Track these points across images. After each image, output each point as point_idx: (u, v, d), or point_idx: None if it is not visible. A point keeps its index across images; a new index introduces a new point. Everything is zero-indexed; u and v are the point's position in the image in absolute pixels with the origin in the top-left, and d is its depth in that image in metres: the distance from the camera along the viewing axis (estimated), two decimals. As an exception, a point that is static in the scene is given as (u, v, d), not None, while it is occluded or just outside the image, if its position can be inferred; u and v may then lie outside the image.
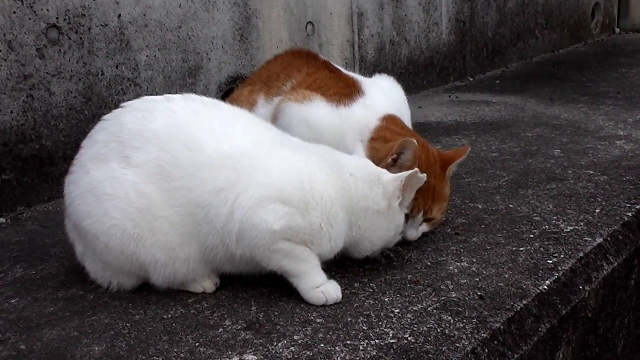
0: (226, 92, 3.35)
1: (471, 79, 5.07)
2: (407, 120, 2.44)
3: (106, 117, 1.92)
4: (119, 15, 2.88)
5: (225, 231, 1.77)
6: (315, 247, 1.81)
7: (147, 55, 3.01)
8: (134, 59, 2.96)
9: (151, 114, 1.85)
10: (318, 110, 2.27)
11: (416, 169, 1.91)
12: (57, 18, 2.68)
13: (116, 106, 2.83)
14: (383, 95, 2.40)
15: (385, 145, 2.18)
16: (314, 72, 2.44)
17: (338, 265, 2.01)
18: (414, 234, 2.14)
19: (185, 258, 1.83)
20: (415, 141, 2.06)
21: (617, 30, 7.12)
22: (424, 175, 1.91)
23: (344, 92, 2.32)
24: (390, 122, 2.27)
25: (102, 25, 2.83)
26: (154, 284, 1.88)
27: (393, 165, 2.09)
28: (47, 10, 2.65)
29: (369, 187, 1.89)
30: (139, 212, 1.78)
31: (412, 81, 4.55)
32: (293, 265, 1.80)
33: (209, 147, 1.79)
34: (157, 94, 3.01)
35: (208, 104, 1.91)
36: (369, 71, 4.14)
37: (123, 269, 1.86)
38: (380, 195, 1.89)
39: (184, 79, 3.17)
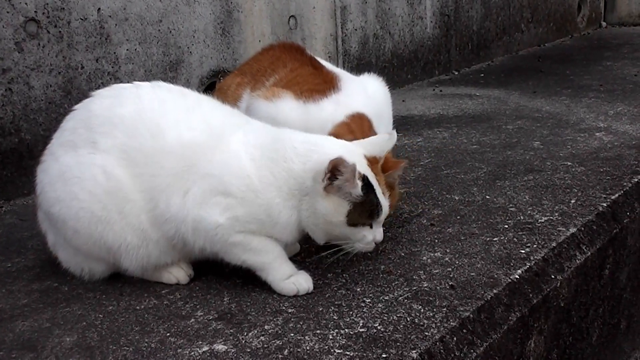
0: (208, 86, 3.36)
1: (456, 73, 5.09)
2: (387, 123, 2.39)
3: (76, 106, 1.94)
4: (99, 9, 2.88)
5: (180, 220, 1.79)
6: (274, 234, 1.80)
7: (127, 49, 3.01)
8: (114, 53, 2.96)
9: (119, 100, 1.87)
10: (286, 107, 2.24)
11: (342, 156, 1.73)
12: (35, 12, 2.68)
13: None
14: (361, 93, 2.36)
15: None
16: (298, 67, 2.43)
17: (312, 256, 2.02)
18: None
19: (157, 239, 1.84)
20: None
21: (604, 24, 7.14)
22: (353, 163, 1.71)
23: (318, 88, 2.31)
24: (354, 122, 2.23)
25: (81, 19, 2.83)
26: (126, 269, 1.89)
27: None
28: (26, 3, 2.65)
29: (303, 164, 1.78)
30: (107, 194, 1.80)
31: (397, 75, 4.57)
32: (255, 258, 1.81)
33: (170, 135, 1.81)
34: (137, 87, 3.02)
35: (174, 92, 1.93)
36: (353, 65, 4.16)
37: (92, 254, 1.87)
38: (312, 174, 1.77)
39: (165, 73, 3.18)
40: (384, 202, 1.82)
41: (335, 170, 1.73)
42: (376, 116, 2.30)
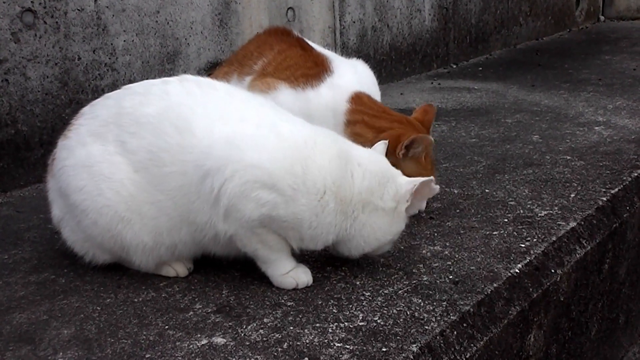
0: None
1: (454, 66, 5.07)
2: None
3: (110, 95, 1.94)
4: (96, -1, 2.87)
5: (213, 209, 1.75)
6: (295, 233, 1.77)
7: (124, 40, 2.99)
8: (112, 44, 2.94)
9: (147, 98, 1.85)
10: (284, 98, 2.23)
11: (432, 177, 1.84)
12: (32, 2, 2.66)
13: (93, 91, 2.86)
14: (352, 73, 2.37)
15: (379, 136, 2.14)
16: (286, 49, 2.41)
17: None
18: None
19: (172, 244, 1.83)
20: (430, 137, 2.10)
21: (602, 18, 7.13)
22: (437, 187, 1.86)
23: (312, 72, 2.29)
24: (358, 102, 2.24)
25: (78, 10, 2.81)
26: (136, 266, 1.89)
27: (403, 158, 2.10)
28: (22, -6, 2.63)
29: (377, 182, 1.79)
30: (132, 197, 1.80)
31: (395, 68, 4.55)
32: (265, 252, 1.80)
33: (200, 128, 1.77)
34: (135, 79, 3.01)
35: (203, 85, 1.89)
36: (351, 58, 4.13)
37: (104, 246, 1.87)
38: (390, 194, 1.80)
39: (163, 65, 3.16)
40: None
41: (418, 192, 1.83)
42: (368, 92, 2.32)
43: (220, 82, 1.98)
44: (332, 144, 1.81)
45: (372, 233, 1.81)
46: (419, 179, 1.82)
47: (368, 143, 2.11)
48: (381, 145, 1.98)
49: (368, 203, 1.78)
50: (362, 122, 2.20)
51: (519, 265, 1.93)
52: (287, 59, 2.34)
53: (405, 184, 1.82)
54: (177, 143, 1.77)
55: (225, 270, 1.92)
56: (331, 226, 1.77)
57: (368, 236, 1.81)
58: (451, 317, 1.68)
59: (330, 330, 1.62)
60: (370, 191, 1.79)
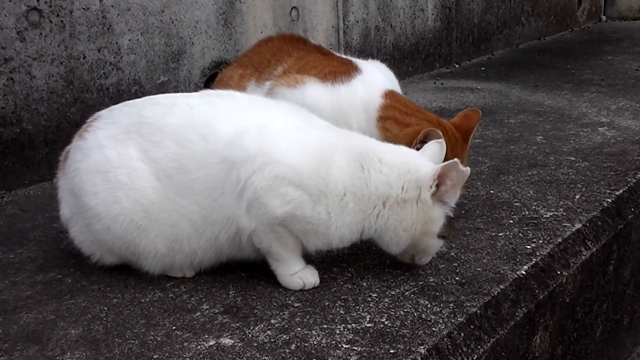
0: (209, 77, 3.34)
1: (457, 66, 5.07)
2: None
3: (130, 102, 1.94)
4: (101, -2, 2.86)
5: (237, 202, 1.76)
6: (318, 237, 1.78)
7: (129, 39, 2.99)
8: (117, 43, 2.94)
9: (171, 109, 1.85)
10: (313, 92, 2.24)
11: (457, 160, 1.75)
12: (38, 1, 2.66)
13: (98, 90, 2.87)
14: (380, 72, 2.39)
15: (403, 131, 2.16)
16: (305, 55, 2.42)
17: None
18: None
19: (192, 251, 1.83)
20: (440, 132, 2.02)
21: (604, 18, 7.13)
22: (467, 169, 1.76)
23: (340, 69, 2.29)
24: (393, 99, 2.25)
25: (84, 9, 2.81)
26: (145, 270, 1.89)
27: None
28: (28, -8, 2.63)
29: (397, 174, 1.77)
30: (152, 205, 1.80)
31: (398, 67, 4.54)
32: (279, 250, 1.80)
33: (225, 131, 1.78)
34: (139, 78, 3.02)
35: (225, 96, 1.92)
36: (355, 57, 4.13)
37: (114, 251, 1.87)
38: (412, 183, 1.77)
39: (167, 64, 3.16)
40: None
41: (443, 176, 1.76)
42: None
43: (240, 93, 1.99)
44: (351, 146, 1.82)
45: (397, 225, 1.78)
46: (440, 164, 1.77)
47: (393, 138, 2.12)
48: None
49: (388, 197, 1.77)
50: (393, 119, 2.20)
51: (525, 267, 1.93)
52: (309, 63, 2.34)
53: (428, 169, 1.78)
54: (203, 150, 1.78)
55: (232, 271, 1.92)
56: (352, 225, 1.78)
57: (395, 228, 1.79)
58: (458, 319, 1.68)
59: (337, 332, 1.62)
60: (389, 185, 1.77)
